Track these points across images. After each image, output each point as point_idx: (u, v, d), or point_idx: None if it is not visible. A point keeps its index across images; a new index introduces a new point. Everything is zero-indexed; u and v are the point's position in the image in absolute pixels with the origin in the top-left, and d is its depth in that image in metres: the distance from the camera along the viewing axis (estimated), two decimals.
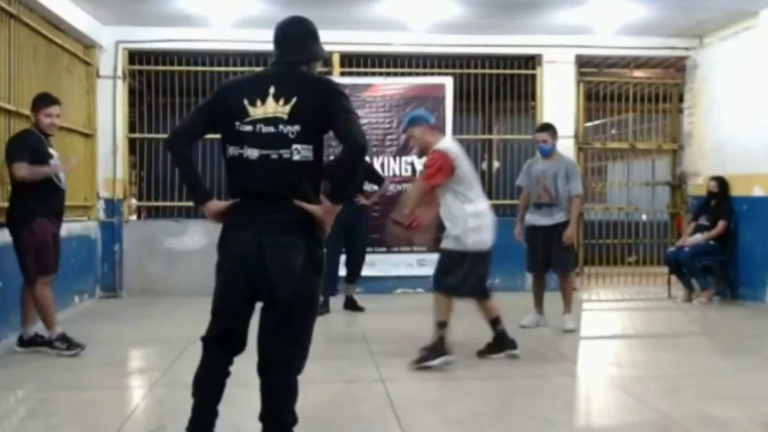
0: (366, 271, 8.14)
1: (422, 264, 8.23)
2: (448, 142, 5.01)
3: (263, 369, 2.82)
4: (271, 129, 2.70)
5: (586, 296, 8.25)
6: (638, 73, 9.19)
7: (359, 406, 3.91)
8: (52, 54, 6.87)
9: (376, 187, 7.30)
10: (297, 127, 2.69)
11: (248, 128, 2.72)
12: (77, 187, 7.56)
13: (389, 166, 8.33)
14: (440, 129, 5.15)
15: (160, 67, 8.34)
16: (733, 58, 7.89)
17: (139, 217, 9.08)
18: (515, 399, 4.06)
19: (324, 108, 2.70)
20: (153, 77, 8.39)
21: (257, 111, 2.72)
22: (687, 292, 7.79)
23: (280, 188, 2.70)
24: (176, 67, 8.33)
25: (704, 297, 7.64)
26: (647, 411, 3.85)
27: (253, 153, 2.71)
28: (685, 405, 3.92)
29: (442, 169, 4.69)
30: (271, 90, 2.73)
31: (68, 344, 4.98)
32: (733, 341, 5.90)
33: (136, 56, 8.30)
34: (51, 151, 5.11)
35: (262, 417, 2.83)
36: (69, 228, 6.99)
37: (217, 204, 2.86)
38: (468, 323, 5.44)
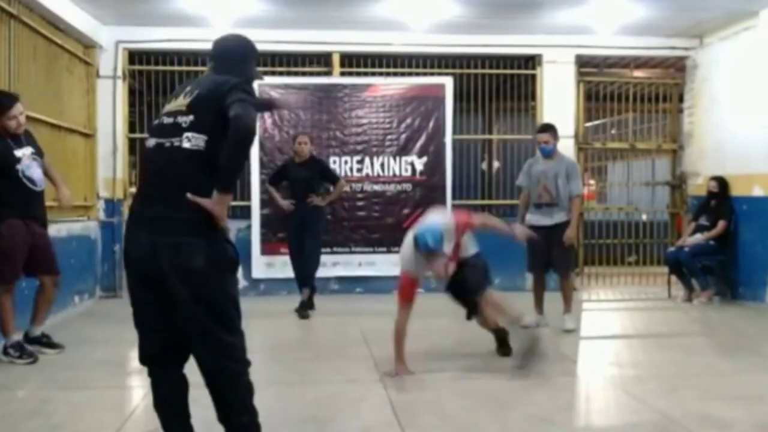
0: (366, 271, 8.16)
1: None
2: None
3: (202, 374, 2.72)
4: (171, 120, 2.70)
5: (586, 296, 8.25)
6: (638, 73, 9.18)
7: (359, 406, 3.91)
8: (52, 54, 6.87)
9: (332, 188, 7.18)
10: (191, 117, 2.66)
11: (156, 122, 2.79)
12: (77, 187, 7.56)
13: (389, 166, 8.33)
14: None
15: (160, 67, 8.33)
16: (733, 58, 7.89)
17: None
18: (515, 399, 4.06)
19: (217, 97, 2.62)
20: (153, 77, 8.38)
21: (167, 107, 2.77)
22: (687, 292, 7.78)
23: (169, 177, 2.62)
24: (176, 67, 8.32)
25: (704, 297, 7.64)
26: (647, 411, 3.85)
27: (151, 142, 2.75)
28: (685, 405, 3.92)
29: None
30: (188, 89, 2.75)
31: (21, 353, 4.84)
32: (733, 341, 5.90)
33: (136, 56, 8.30)
34: (19, 153, 4.84)
35: (220, 420, 2.77)
36: (69, 228, 7.01)
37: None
38: (468, 322, 5.44)
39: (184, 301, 2.60)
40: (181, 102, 2.71)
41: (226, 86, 2.65)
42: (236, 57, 2.89)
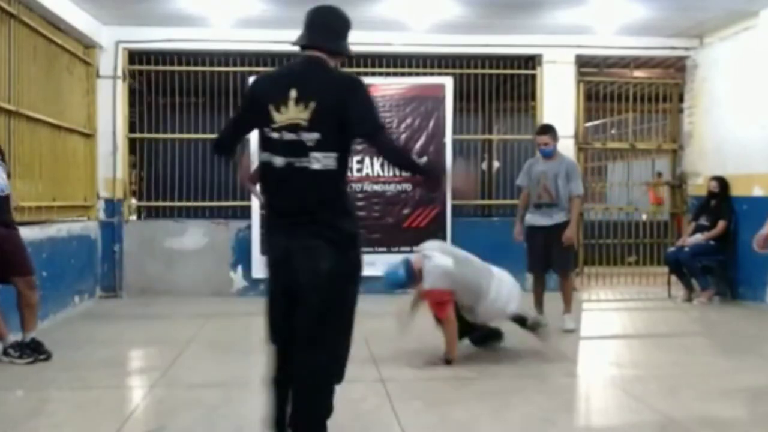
0: (366, 271, 8.11)
1: None
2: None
3: (295, 377, 2.78)
4: (293, 136, 2.68)
5: (586, 296, 8.25)
6: (638, 73, 9.18)
7: (359, 406, 3.91)
8: (52, 54, 6.87)
9: None
10: (316, 135, 2.65)
11: (275, 135, 2.73)
12: (77, 187, 7.57)
13: (389, 166, 8.31)
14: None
15: (160, 67, 8.33)
16: (733, 58, 7.89)
17: (139, 217, 9.07)
18: (515, 399, 4.06)
19: (340, 110, 2.66)
20: (153, 77, 8.38)
21: (282, 117, 2.71)
22: (687, 292, 7.78)
23: (303, 196, 2.70)
24: (176, 67, 8.33)
25: (704, 297, 7.64)
26: (647, 411, 3.85)
27: (279, 161, 2.72)
28: (685, 405, 3.92)
29: None
30: (293, 94, 2.68)
31: (21, 353, 4.82)
32: (733, 341, 5.90)
33: (136, 56, 8.30)
34: None
35: (289, 424, 2.83)
36: (69, 228, 7.01)
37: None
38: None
39: (309, 303, 2.70)
40: (297, 114, 2.66)
41: (346, 96, 2.67)
42: (336, 31, 2.85)
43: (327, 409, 2.82)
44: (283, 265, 2.76)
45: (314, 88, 2.69)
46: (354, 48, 2.97)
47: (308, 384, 2.76)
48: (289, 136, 2.68)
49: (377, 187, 8.30)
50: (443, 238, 8.28)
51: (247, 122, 2.91)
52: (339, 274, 2.74)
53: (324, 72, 2.78)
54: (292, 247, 2.71)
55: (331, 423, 3.60)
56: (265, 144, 2.77)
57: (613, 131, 10.70)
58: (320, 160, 2.65)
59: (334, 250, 2.72)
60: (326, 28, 2.82)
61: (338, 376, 2.84)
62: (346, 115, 2.66)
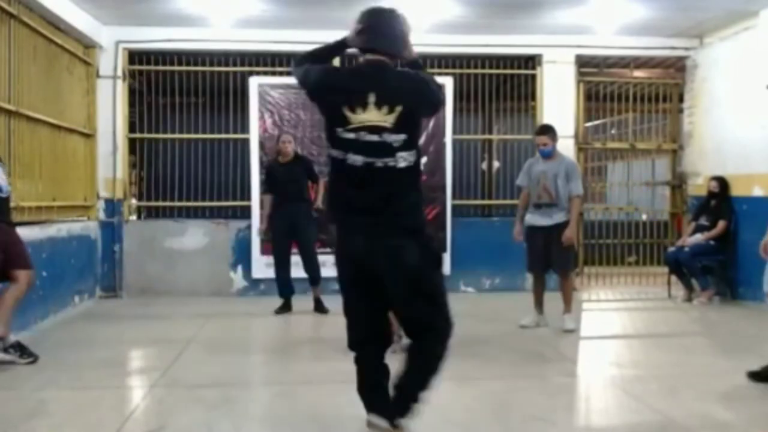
0: None
1: None
2: None
3: (413, 329, 2.94)
4: (375, 138, 2.76)
5: (586, 296, 8.25)
6: (638, 73, 9.18)
7: (359, 406, 3.90)
8: (52, 54, 6.87)
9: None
10: (402, 136, 2.77)
11: (350, 135, 2.79)
12: (77, 187, 7.57)
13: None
14: None
15: (160, 67, 8.33)
16: (733, 58, 7.89)
17: (139, 217, 9.07)
18: (515, 399, 4.06)
19: (421, 110, 2.89)
20: (153, 77, 8.38)
21: (358, 118, 2.77)
22: (687, 292, 7.78)
23: (385, 193, 2.78)
24: (176, 67, 8.33)
25: (704, 297, 7.64)
26: (647, 411, 3.85)
27: (357, 160, 2.79)
28: (685, 405, 3.92)
29: None
30: (371, 98, 2.76)
31: (21, 352, 4.78)
32: (733, 341, 5.90)
33: (136, 56, 8.30)
34: None
35: (395, 386, 3.00)
36: (69, 228, 7.01)
37: None
38: (468, 322, 5.45)
39: (399, 295, 2.84)
40: (381, 117, 2.75)
41: (423, 97, 2.84)
42: (400, 37, 2.92)
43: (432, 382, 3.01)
44: (365, 265, 2.83)
45: (398, 92, 2.79)
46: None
47: (432, 362, 2.96)
48: (370, 137, 2.76)
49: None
50: (443, 238, 8.30)
51: (319, 99, 2.96)
52: (426, 265, 2.84)
53: (399, 76, 2.90)
54: (375, 247, 2.79)
55: (331, 422, 3.62)
56: (338, 143, 2.83)
57: (613, 131, 10.69)
58: (406, 159, 2.78)
59: (416, 242, 2.81)
60: (393, 34, 2.91)
61: (449, 321, 2.94)
62: (424, 111, 2.94)
